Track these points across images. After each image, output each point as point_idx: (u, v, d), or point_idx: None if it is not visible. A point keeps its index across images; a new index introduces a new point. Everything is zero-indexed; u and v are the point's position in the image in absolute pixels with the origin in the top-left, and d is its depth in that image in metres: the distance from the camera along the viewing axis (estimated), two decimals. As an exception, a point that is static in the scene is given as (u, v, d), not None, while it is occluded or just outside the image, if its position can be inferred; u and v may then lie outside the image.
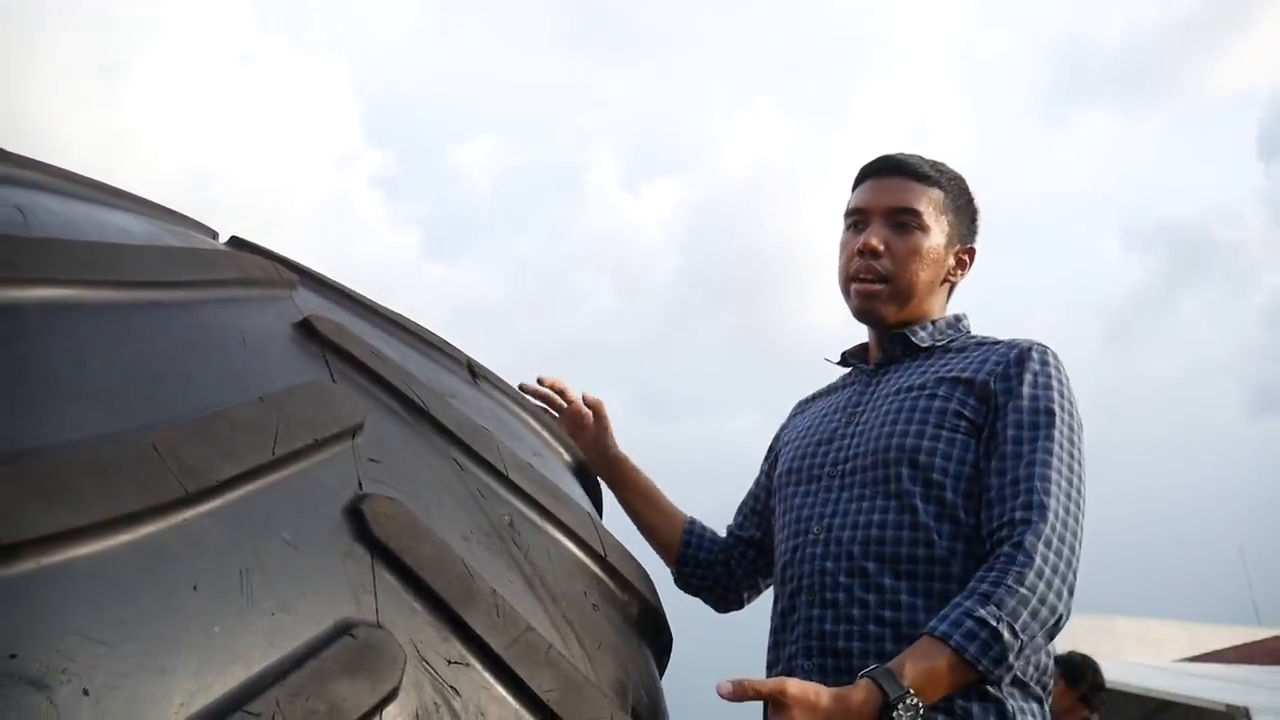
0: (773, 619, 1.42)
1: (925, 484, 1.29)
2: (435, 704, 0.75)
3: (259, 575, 0.70)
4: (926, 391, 1.37)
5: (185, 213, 1.16)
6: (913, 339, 1.46)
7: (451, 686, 0.77)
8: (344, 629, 0.72)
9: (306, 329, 0.95)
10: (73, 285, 0.78)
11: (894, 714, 1.06)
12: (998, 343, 1.42)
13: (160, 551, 0.66)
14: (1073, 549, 1.22)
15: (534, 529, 0.98)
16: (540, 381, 1.57)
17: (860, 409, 1.45)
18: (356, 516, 0.79)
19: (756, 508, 1.66)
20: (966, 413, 1.33)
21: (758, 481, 1.69)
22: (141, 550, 0.65)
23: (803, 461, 1.47)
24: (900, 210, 1.46)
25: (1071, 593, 1.21)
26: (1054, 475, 1.25)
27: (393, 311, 1.16)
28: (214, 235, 1.18)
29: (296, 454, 0.79)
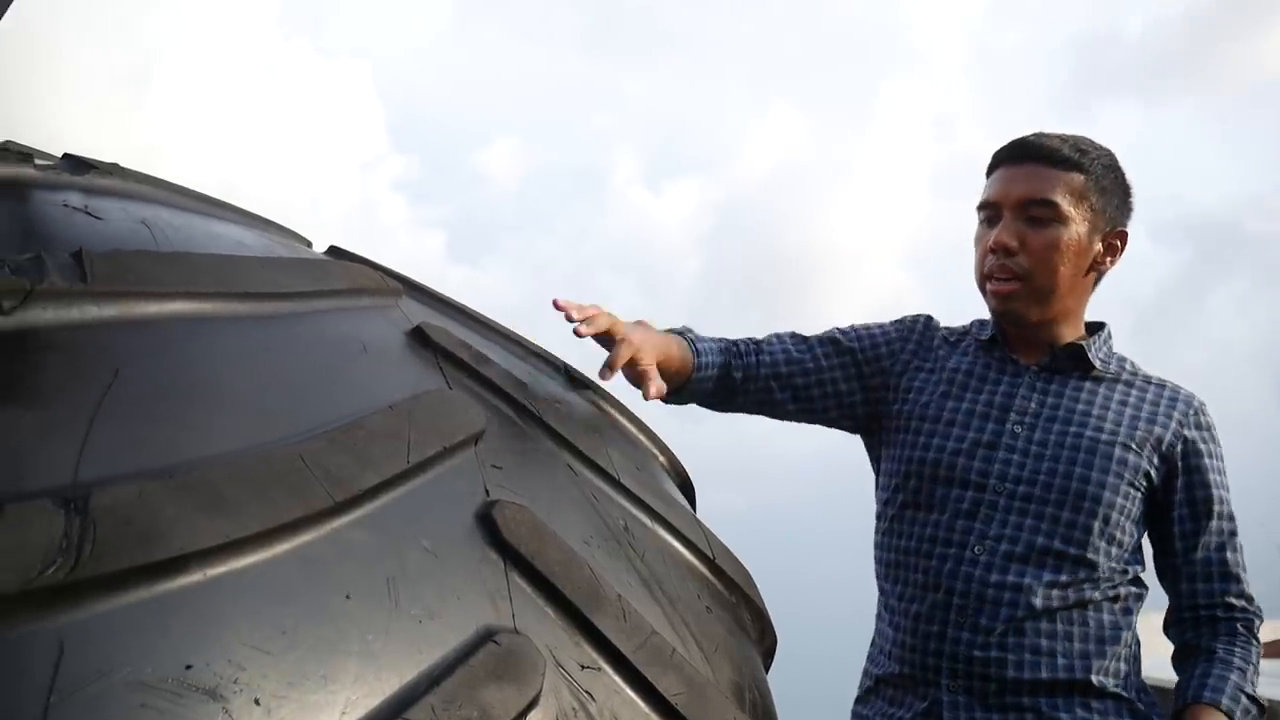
0: (894, 615, 1.38)
1: (1110, 541, 1.32)
2: (573, 709, 0.75)
3: (404, 583, 0.71)
4: (1120, 439, 1.34)
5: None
6: (1088, 354, 1.41)
7: (587, 691, 0.78)
8: (487, 635, 0.72)
9: (420, 336, 0.95)
10: (205, 298, 0.79)
11: None
12: (1161, 384, 1.41)
13: (314, 560, 0.67)
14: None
15: (647, 532, 0.98)
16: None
17: (1028, 417, 1.38)
18: (488, 523, 0.79)
19: (848, 370, 1.49)
20: (1152, 473, 1.35)
21: (853, 349, 1.51)
22: (298, 560, 0.66)
23: (957, 459, 1.37)
24: (1034, 202, 1.34)
25: None
26: (1244, 563, 1.36)
27: (491, 319, 1.17)
28: (309, 244, 1.19)
29: (429, 461, 0.79)
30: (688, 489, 1.27)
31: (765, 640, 1.12)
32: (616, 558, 0.90)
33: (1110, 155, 1.41)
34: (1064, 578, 1.30)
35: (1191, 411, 1.37)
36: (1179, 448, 1.35)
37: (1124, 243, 1.41)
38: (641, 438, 1.23)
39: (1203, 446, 1.36)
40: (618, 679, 0.81)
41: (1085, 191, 1.35)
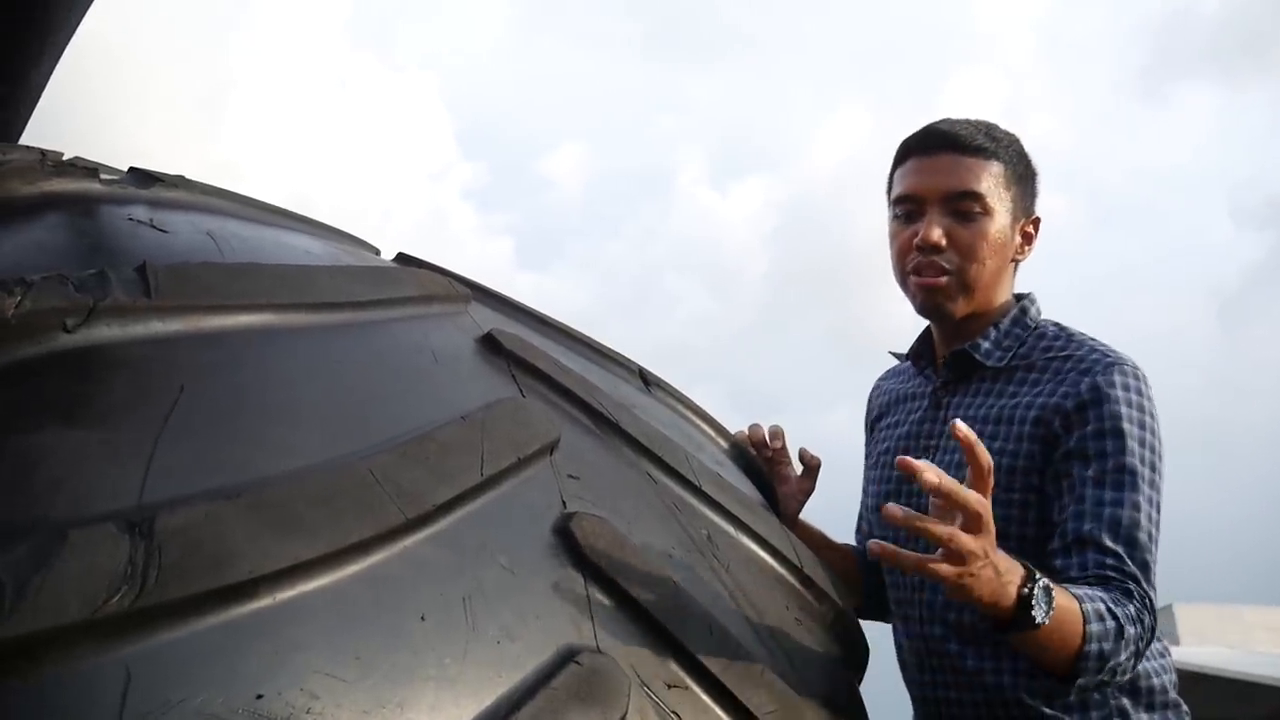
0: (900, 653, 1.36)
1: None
2: (659, 732, 0.72)
3: (481, 602, 0.67)
4: (995, 444, 1.22)
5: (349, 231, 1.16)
6: (977, 356, 1.29)
7: (674, 712, 0.74)
8: (568, 655, 0.69)
9: (491, 344, 0.92)
10: (272, 310, 0.77)
11: (1035, 590, 0.95)
12: (1067, 359, 1.25)
13: (387, 581, 0.64)
14: (1153, 613, 1.11)
15: (731, 542, 0.94)
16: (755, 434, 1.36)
17: (934, 441, 1.32)
18: (566, 537, 0.76)
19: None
20: (1036, 469, 1.21)
21: (863, 488, 1.52)
22: (370, 581, 0.63)
23: (887, 502, 1.34)
24: (960, 195, 1.26)
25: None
26: (1140, 539, 1.13)
27: (561, 323, 1.13)
28: (377, 252, 1.17)
29: (503, 473, 0.76)
30: (768, 493, 1.22)
31: (857, 652, 1.06)
32: (701, 570, 0.86)
33: (1018, 141, 1.34)
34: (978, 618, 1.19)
35: (1085, 381, 1.20)
36: (1055, 424, 1.19)
37: (1038, 229, 1.34)
38: (720, 440, 1.19)
39: (1078, 419, 1.19)
40: (706, 698, 0.77)
41: (1006, 180, 1.29)
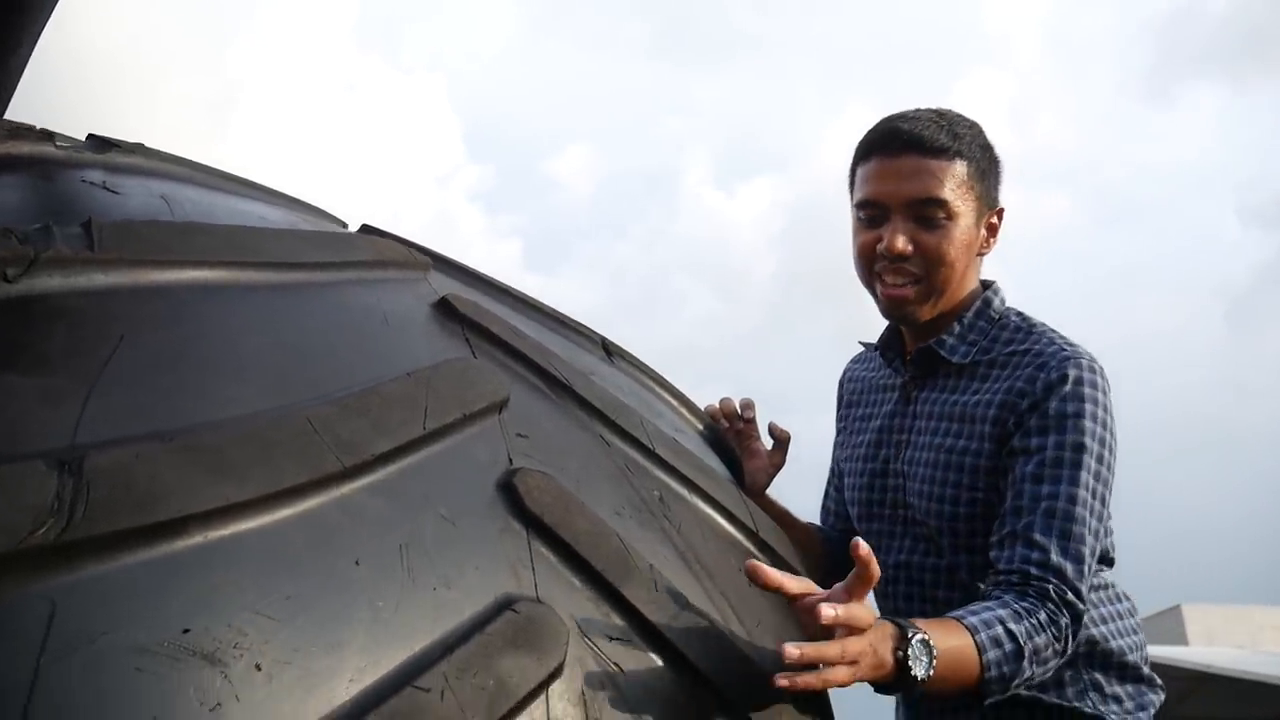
0: None
1: (974, 552, 1.22)
2: (601, 681, 0.72)
3: (418, 550, 0.68)
4: (960, 442, 1.23)
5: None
6: (942, 353, 1.29)
7: (615, 663, 0.74)
8: (505, 604, 0.70)
9: (445, 308, 0.93)
10: (220, 267, 0.78)
11: (909, 649, 0.92)
12: (1025, 353, 1.24)
13: (322, 526, 0.65)
14: (1081, 601, 1.11)
15: (684, 505, 0.95)
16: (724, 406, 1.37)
17: (904, 435, 1.32)
18: (510, 491, 0.77)
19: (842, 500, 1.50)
20: (993, 464, 1.21)
21: (832, 469, 1.55)
22: (304, 525, 0.64)
23: (863, 494, 1.36)
24: (924, 201, 1.24)
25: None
26: (1074, 532, 1.13)
27: (524, 294, 1.14)
28: (343, 225, 1.18)
29: (447, 428, 0.77)
30: (735, 467, 1.23)
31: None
32: (650, 529, 0.87)
33: (981, 131, 1.32)
34: (956, 595, 1.22)
35: (1041, 376, 1.19)
36: (1008, 421, 1.19)
37: (1001, 219, 1.33)
38: (683, 410, 1.20)
39: (1032, 413, 1.18)
40: (650, 652, 0.78)
41: (969, 180, 1.27)
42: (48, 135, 0.91)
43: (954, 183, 1.26)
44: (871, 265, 1.28)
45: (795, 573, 1.03)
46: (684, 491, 0.96)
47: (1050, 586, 1.09)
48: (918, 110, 1.30)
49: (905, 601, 1.26)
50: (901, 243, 1.24)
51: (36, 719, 0.49)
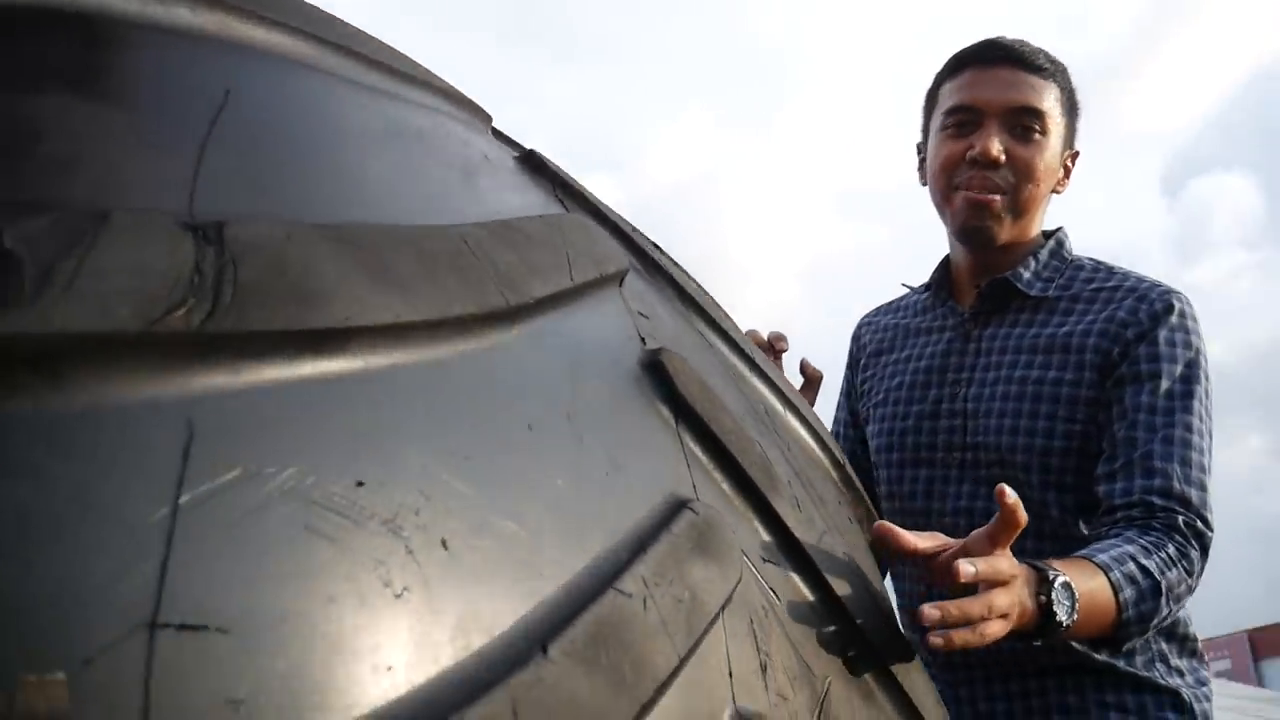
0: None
1: (1064, 490, 1.14)
2: (764, 608, 0.59)
3: (585, 422, 0.53)
4: (1050, 373, 1.15)
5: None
6: (1019, 285, 1.23)
7: (773, 589, 0.61)
8: (680, 503, 0.55)
9: (534, 162, 0.77)
10: (311, 41, 0.60)
11: (1053, 593, 0.85)
12: (1117, 289, 1.20)
13: (489, 374, 0.49)
14: (1210, 531, 1.06)
15: (786, 424, 0.82)
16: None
17: (964, 374, 1.24)
18: (658, 372, 0.62)
19: (856, 451, 1.41)
20: (1095, 395, 1.14)
21: (843, 420, 1.46)
22: (472, 368, 0.48)
23: (905, 438, 1.26)
24: (1024, 110, 1.20)
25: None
26: (1194, 460, 1.09)
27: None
28: None
29: (588, 285, 0.62)
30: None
31: (882, 566, 0.97)
32: (770, 443, 0.74)
33: (1069, 71, 1.29)
34: (1028, 542, 1.11)
35: (1144, 307, 1.15)
36: (1113, 352, 1.14)
37: (1075, 161, 1.30)
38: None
39: (1139, 343, 1.14)
40: (798, 579, 0.65)
41: (1062, 105, 1.24)
42: None
43: (1050, 101, 1.22)
44: (953, 177, 1.22)
45: (871, 515, 0.93)
46: (783, 410, 0.83)
47: (1179, 517, 1.03)
48: (1011, 38, 1.26)
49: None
50: (996, 147, 1.18)
51: (176, 586, 0.32)
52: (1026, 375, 1.18)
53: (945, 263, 1.35)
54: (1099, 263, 1.26)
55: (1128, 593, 0.94)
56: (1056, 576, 0.86)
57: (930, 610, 0.75)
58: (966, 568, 0.77)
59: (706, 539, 0.54)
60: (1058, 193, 1.28)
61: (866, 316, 1.47)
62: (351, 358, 0.42)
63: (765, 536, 0.64)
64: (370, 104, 0.60)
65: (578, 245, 0.63)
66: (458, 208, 0.58)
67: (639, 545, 0.50)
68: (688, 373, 0.64)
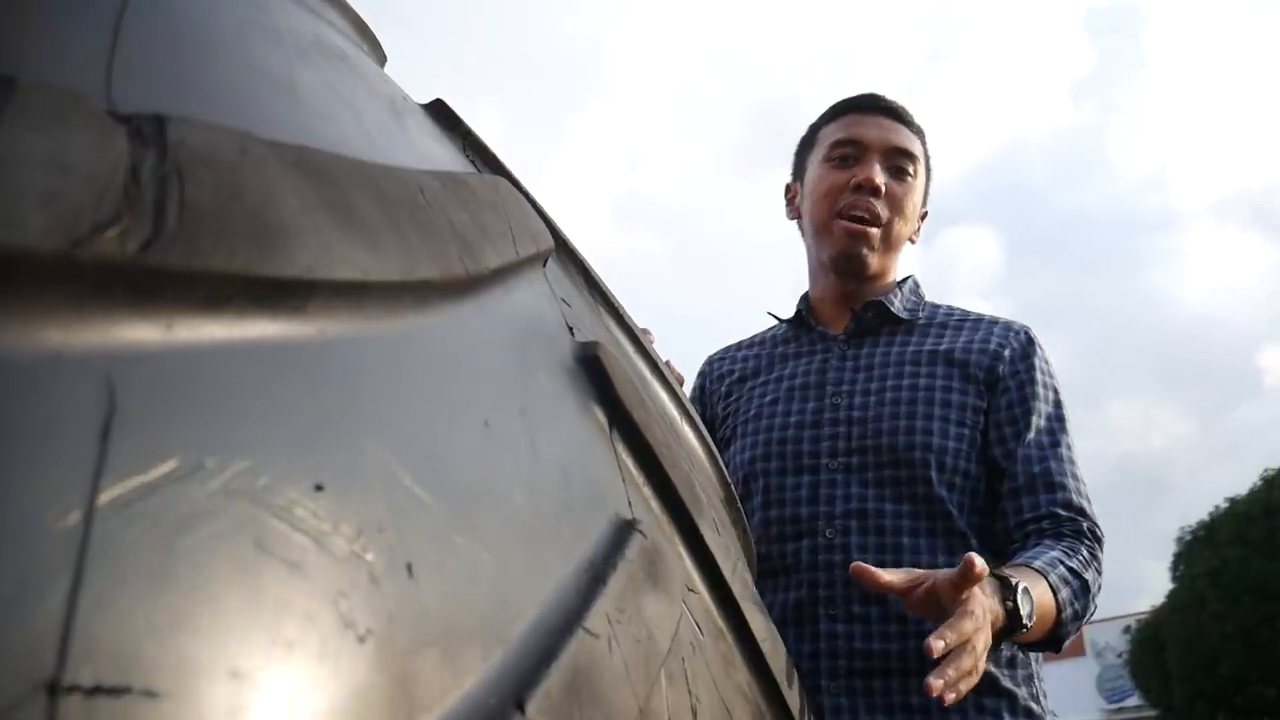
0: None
1: (955, 489, 1.18)
2: (691, 645, 0.53)
3: (537, 421, 0.45)
4: (939, 382, 1.22)
5: None
6: (891, 308, 1.30)
7: (697, 622, 0.55)
8: (628, 523, 0.48)
9: (441, 111, 0.67)
10: None
11: (1017, 597, 0.93)
12: (979, 320, 1.30)
13: (446, 355, 0.40)
14: (1103, 537, 1.17)
15: (684, 435, 0.76)
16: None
17: (844, 386, 1.26)
18: (593, 368, 0.55)
19: None
20: (980, 404, 1.21)
21: None
22: (432, 344, 0.39)
23: (785, 447, 1.26)
24: (900, 151, 1.30)
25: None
26: (1080, 475, 1.20)
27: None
28: None
29: (526, 262, 0.53)
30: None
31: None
32: (680, 452, 0.68)
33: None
34: (924, 540, 1.17)
35: (1012, 334, 1.26)
36: (998, 369, 1.22)
37: (923, 221, 1.39)
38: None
39: (1020, 364, 1.23)
40: (717, 613, 0.59)
41: (925, 163, 1.35)
42: None
43: (920, 151, 1.32)
44: (835, 203, 1.29)
45: (746, 530, 0.88)
46: (679, 418, 0.77)
47: (1083, 523, 1.13)
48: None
49: (860, 553, 1.16)
50: (881, 177, 1.26)
51: (89, 628, 0.22)
52: (915, 383, 1.22)
53: (804, 298, 1.40)
54: (951, 306, 1.35)
55: (1064, 593, 1.02)
56: (1018, 582, 0.93)
57: (936, 642, 0.81)
58: (936, 643, 0.82)
59: (655, 568, 0.48)
60: (912, 242, 1.36)
61: (715, 355, 1.48)
62: (307, 320, 0.32)
63: (688, 563, 0.57)
64: (293, 10, 0.50)
65: (514, 214, 0.55)
66: (395, 149, 0.49)
67: (597, 575, 0.42)
68: (621, 373, 0.57)
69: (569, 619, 0.38)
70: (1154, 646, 14.04)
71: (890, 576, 0.88)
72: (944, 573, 0.87)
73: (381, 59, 0.72)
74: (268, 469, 0.28)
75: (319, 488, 0.29)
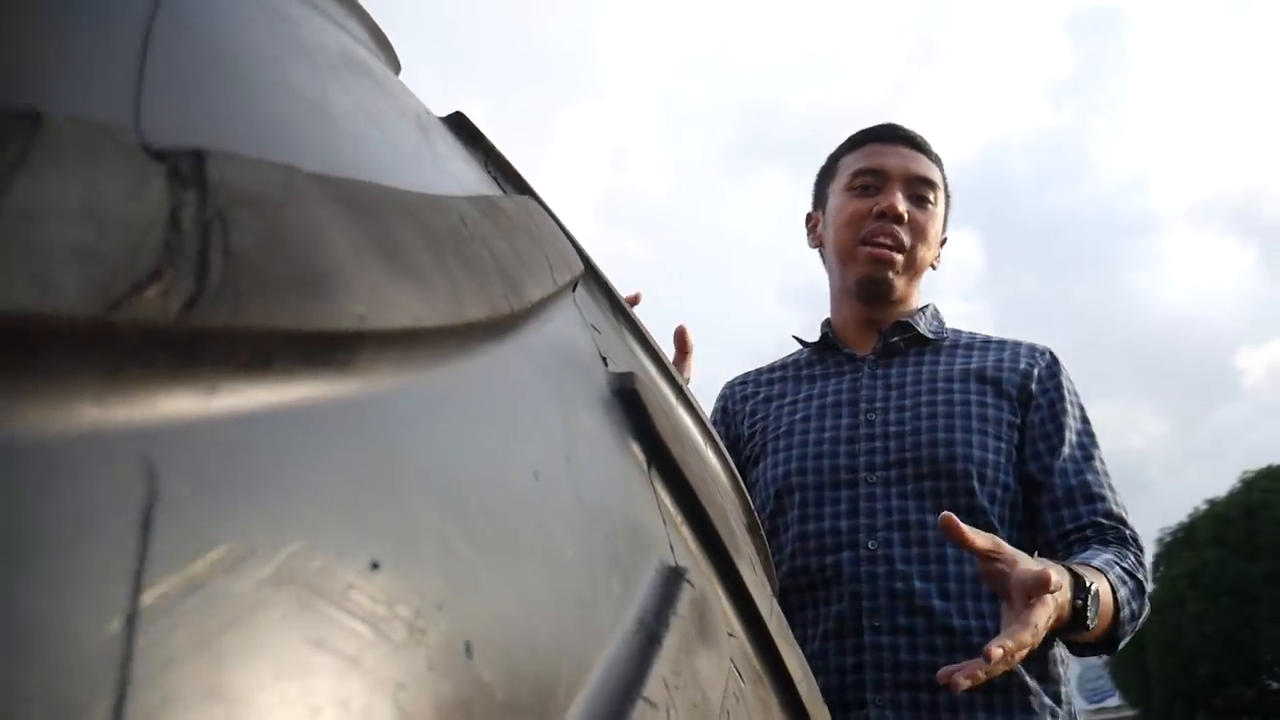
0: (803, 645, 1.21)
1: (996, 501, 1.21)
2: (735, 696, 0.50)
3: (582, 466, 0.42)
4: (974, 397, 1.24)
5: None
6: (919, 329, 1.33)
7: (738, 670, 0.52)
8: (676, 573, 0.45)
9: (464, 127, 0.65)
10: None
11: (1088, 597, 0.98)
12: (1003, 342, 1.33)
13: (493, 402, 0.37)
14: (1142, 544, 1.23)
15: (710, 464, 0.73)
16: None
17: (877, 404, 1.28)
18: (631, 402, 0.52)
19: None
20: (1015, 420, 1.25)
21: None
22: (474, 393, 0.36)
23: (820, 461, 1.27)
24: (921, 180, 1.34)
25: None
26: (1115, 487, 1.23)
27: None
28: None
29: (563, 290, 0.51)
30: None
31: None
32: (715, 485, 0.65)
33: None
34: (967, 551, 1.19)
35: (1038, 354, 1.30)
36: (1030, 387, 1.27)
37: (943, 247, 1.44)
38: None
39: (1049, 383, 1.28)
40: (755, 658, 0.56)
41: (945, 191, 1.39)
42: None
43: (939, 179, 1.36)
44: (858, 232, 1.32)
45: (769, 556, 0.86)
46: (704, 445, 0.74)
47: (1125, 531, 1.17)
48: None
49: (904, 564, 1.17)
50: (904, 205, 1.29)
51: None
52: (950, 398, 1.24)
53: (827, 323, 1.43)
54: (972, 332, 1.39)
55: (1123, 592, 1.05)
56: (1092, 583, 0.97)
57: (996, 649, 0.86)
58: (996, 650, 0.86)
59: (704, 620, 0.45)
60: (934, 268, 1.39)
61: (735, 379, 1.50)
62: (353, 375, 0.29)
63: (726, 604, 0.54)
64: (318, 22, 0.47)
65: (547, 239, 0.52)
66: (428, 173, 0.46)
67: (650, 634, 0.39)
68: (659, 406, 0.54)
69: (627, 688, 0.35)
70: (1133, 647, 14.15)
71: (976, 536, 0.91)
72: (1024, 569, 0.90)
73: (396, 68, 0.69)
74: (321, 549, 0.25)
75: (375, 565, 0.26)
